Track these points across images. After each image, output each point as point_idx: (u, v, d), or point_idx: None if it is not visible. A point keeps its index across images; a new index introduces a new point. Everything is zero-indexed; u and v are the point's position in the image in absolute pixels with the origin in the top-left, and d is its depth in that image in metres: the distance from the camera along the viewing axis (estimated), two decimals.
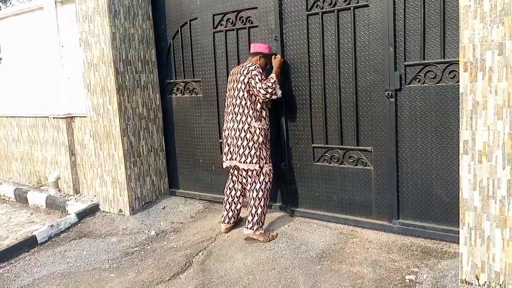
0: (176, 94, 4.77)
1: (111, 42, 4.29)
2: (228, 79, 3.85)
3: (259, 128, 3.64)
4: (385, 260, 3.16)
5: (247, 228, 3.65)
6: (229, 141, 3.74)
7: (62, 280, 3.39)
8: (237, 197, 3.88)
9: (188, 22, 4.50)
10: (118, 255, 3.74)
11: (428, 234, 3.38)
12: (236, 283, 3.09)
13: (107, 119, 4.48)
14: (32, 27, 5.41)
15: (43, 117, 5.58)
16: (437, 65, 3.18)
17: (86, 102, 4.64)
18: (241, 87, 3.64)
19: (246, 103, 3.63)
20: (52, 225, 4.29)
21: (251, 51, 3.80)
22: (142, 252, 3.75)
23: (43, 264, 3.70)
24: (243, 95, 3.63)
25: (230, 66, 4.28)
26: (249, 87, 3.63)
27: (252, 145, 3.63)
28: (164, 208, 4.65)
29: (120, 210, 4.59)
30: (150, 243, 3.91)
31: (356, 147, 3.67)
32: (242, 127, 3.64)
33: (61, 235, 4.29)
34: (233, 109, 3.70)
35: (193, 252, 3.61)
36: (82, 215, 4.60)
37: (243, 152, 3.65)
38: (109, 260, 3.66)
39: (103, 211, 4.73)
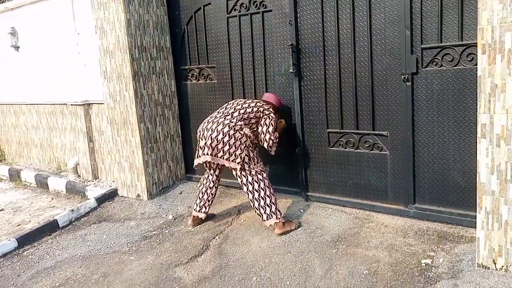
0: (191, 80, 4.80)
1: (126, 28, 4.32)
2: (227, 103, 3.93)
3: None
4: (401, 244, 3.17)
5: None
6: None
7: (83, 263, 3.50)
8: None
9: (202, 8, 4.49)
10: (137, 239, 3.83)
11: (444, 218, 3.37)
12: (253, 266, 3.14)
13: (123, 105, 4.53)
14: (49, 15, 5.46)
15: (61, 104, 5.67)
16: (454, 47, 3.12)
17: (102, 89, 4.70)
18: (246, 111, 3.71)
19: (242, 123, 3.65)
20: (72, 210, 4.40)
21: (264, 98, 3.97)
22: (160, 236, 3.83)
23: (64, 247, 3.81)
24: (244, 117, 3.69)
25: (244, 51, 4.27)
26: (258, 121, 3.73)
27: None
28: (181, 193, 4.72)
29: (138, 195, 4.67)
30: (168, 227, 3.99)
31: (372, 131, 3.65)
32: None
33: (82, 219, 4.40)
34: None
35: (210, 236, 3.67)
36: (101, 200, 4.71)
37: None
38: (129, 244, 3.75)
39: (122, 196, 4.83)
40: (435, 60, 3.23)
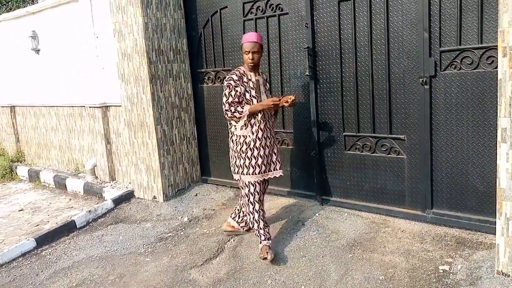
0: (207, 84, 4.82)
1: (143, 32, 4.37)
2: None
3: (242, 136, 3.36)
4: (418, 250, 3.12)
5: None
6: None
7: (100, 263, 3.53)
8: None
9: (219, 11, 4.52)
10: (153, 240, 3.86)
11: (462, 224, 3.31)
12: (267, 269, 3.13)
13: (140, 108, 4.58)
14: (68, 19, 5.56)
15: (79, 106, 5.76)
16: (474, 50, 3.07)
17: (120, 92, 4.76)
18: None
19: None
20: (90, 211, 4.46)
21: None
22: (176, 238, 3.85)
23: (82, 248, 3.86)
24: None
25: None
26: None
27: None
28: (196, 195, 4.74)
29: (154, 197, 4.71)
30: (183, 229, 4.01)
31: (389, 135, 3.61)
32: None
33: (98, 220, 4.45)
34: None
35: (225, 239, 3.67)
36: (118, 201, 4.76)
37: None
38: (144, 245, 3.78)
39: (138, 197, 4.87)
40: (454, 63, 3.18)
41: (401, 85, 3.46)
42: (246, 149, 3.32)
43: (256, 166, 3.33)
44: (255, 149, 3.33)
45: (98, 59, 5.25)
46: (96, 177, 5.66)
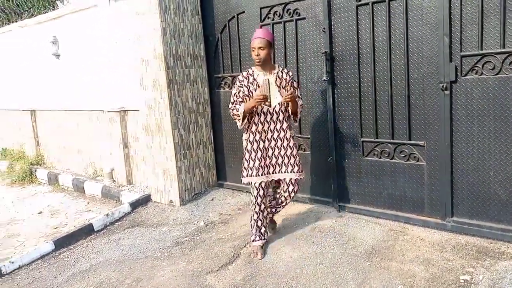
0: (224, 88, 4.83)
1: (161, 37, 4.40)
2: None
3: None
4: (438, 259, 3.06)
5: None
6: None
7: (117, 267, 3.56)
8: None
9: (236, 16, 4.53)
10: (169, 244, 3.86)
11: (484, 233, 3.23)
12: (284, 276, 3.10)
13: (158, 112, 4.61)
14: (88, 24, 5.65)
15: (98, 111, 5.83)
16: (496, 55, 3.01)
17: (138, 97, 4.80)
18: None
19: None
20: (107, 214, 4.50)
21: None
22: (192, 242, 3.86)
23: (99, 251, 3.90)
24: None
25: (277, 59, 4.27)
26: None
27: None
28: (212, 199, 4.74)
29: (171, 201, 4.73)
30: (199, 234, 4.01)
31: (408, 141, 3.56)
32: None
33: (116, 223, 4.49)
34: None
35: (241, 244, 3.66)
36: (135, 205, 4.79)
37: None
38: (161, 249, 3.79)
39: (155, 201, 4.90)
40: (475, 68, 3.12)
41: (420, 91, 3.41)
42: (245, 152, 3.44)
43: (254, 169, 3.39)
44: (252, 151, 3.39)
45: (117, 64, 5.31)
46: (114, 181, 5.72)
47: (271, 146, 3.40)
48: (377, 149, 3.75)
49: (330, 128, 3.96)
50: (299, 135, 4.24)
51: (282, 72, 3.39)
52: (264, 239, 3.51)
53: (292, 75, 3.43)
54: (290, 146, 3.42)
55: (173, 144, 4.56)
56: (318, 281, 2.99)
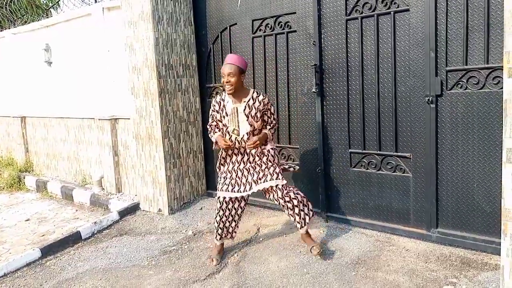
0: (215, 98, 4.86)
1: (154, 47, 4.44)
2: None
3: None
4: (422, 269, 3.10)
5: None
6: None
7: (103, 275, 3.54)
8: None
9: (228, 28, 4.59)
10: (157, 253, 3.86)
11: (468, 244, 3.28)
12: (270, 286, 3.12)
13: (149, 121, 4.64)
14: (81, 33, 5.68)
15: (89, 118, 5.84)
16: (480, 70, 3.09)
17: (129, 105, 4.83)
18: None
19: None
20: (95, 222, 4.48)
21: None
22: (180, 251, 3.86)
23: (86, 259, 3.88)
24: None
25: (268, 70, 4.33)
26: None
27: None
28: (201, 209, 4.75)
29: (160, 210, 4.73)
30: (188, 243, 4.01)
31: (395, 153, 3.62)
32: None
33: (104, 231, 4.47)
34: None
35: (228, 254, 3.67)
36: (124, 213, 4.78)
37: None
38: (148, 258, 3.79)
39: (143, 210, 4.89)
40: (460, 82, 3.20)
41: (407, 104, 3.48)
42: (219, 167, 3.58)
43: (224, 185, 3.47)
44: (221, 169, 3.56)
45: (109, 72, 5.33)
46: (103, 189, 5.70)
47: (239, 169, 3.48)
48: (364, 160, 3.80)
49: (319, 139, 4.01)
50: (289, 146, 4.29)
51: (255, 100, 3.38)
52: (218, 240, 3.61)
53: (267, 102, 3.43)
54: (258, 164, 3.45)
55: (163, 153, 4.58)
56: None
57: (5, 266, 3.69)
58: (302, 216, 3.46)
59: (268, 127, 3.50)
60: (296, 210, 3.44)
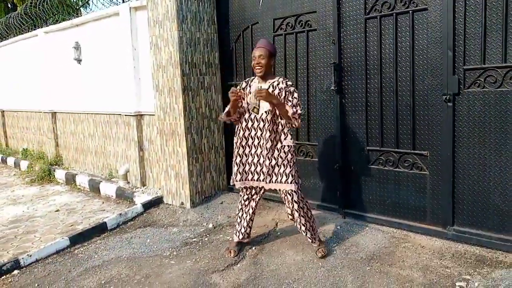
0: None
1: (178, 45, 4.59)
2: None
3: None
4: (437, 266, 3.14)
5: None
6: None
7: (127, 264, 3.71)
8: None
9: (250, 26, 4.70)
10: (178, 244, 4.01)
11: (483, 242, 3.30)
12: (286, 278, 3.22)
13: (173, 117, 4.79)
14: (109, 31, 5.89)
15: (116, 114, 6.05)
16: (498, 69, 3.10)
17: (154, 101, 5.00)
18: None
19: None
20: (120, 214, 4.68)
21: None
22: (200, 243, 3.99)
23: (111, 248, 4.06)
24: None
25: (288, 69, 4.41)
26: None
27: None
28: (222, 203, 4.88)
29: (182, 203, 4.88)
30: (208, 235, 4.15)
31: (412, 151, 3.65)
32: None
33: (128, 223, 4.66)
34: None
35: (247, 246, 3.78)
36: (148, 206, 4.96)
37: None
38: (170, 249, 3.94)
39: (166, 203, 5.06)
40: (478, 81, 3.21)
41: (424, 102, 3.51)
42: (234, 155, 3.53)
43: (238, 173, 3.50)
44: (237, 156, 3.49)
45: (135, 70, 5.52)
46: (128, 182, 5.90)
47: (251, 153, 3.46)
48: (382, 157, 3.85)
49: (337, 136, 4.07)
50: (308, 143, 4.37)
51: (280, 83, 3.33)
52: (238, 236, 3.70)
53: (291, 84, 3.33)
54: (274, 156, 3.36)
55: (186, 148, 4.73)
56: (319, 284, 3.09)
57: (37, 252, 3.91)
58: (309, 235, 3.52)
59: (290, 104, 3.27)
60: (303, 228, 3.50)
